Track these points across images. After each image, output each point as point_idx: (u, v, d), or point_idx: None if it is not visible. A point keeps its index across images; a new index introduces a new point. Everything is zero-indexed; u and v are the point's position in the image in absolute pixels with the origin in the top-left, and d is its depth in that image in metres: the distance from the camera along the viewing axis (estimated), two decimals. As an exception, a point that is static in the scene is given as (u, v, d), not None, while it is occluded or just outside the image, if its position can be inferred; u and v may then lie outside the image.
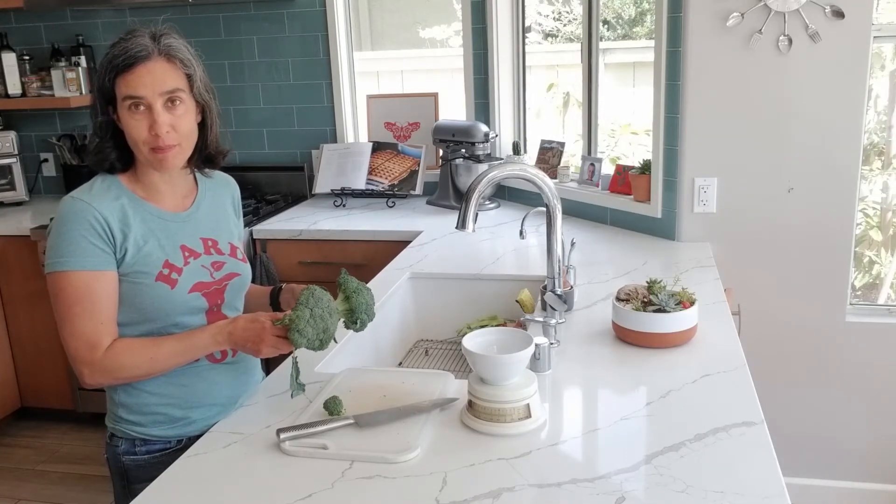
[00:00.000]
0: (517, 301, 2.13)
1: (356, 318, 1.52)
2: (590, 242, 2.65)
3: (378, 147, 3.51)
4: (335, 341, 1.46)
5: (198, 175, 1.65)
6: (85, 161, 3.76)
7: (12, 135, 3.76)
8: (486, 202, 3.24)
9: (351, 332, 1.91)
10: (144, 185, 1.54)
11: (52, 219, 1.51)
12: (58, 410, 3.57)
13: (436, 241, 2.76)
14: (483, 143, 3.18)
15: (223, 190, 1.71)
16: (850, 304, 2.63)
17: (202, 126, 1.57)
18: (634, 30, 3.26)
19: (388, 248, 2.83)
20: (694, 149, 2.55)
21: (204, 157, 1.61)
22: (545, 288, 1.93)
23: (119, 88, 1.45)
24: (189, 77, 1.50)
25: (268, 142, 3.68)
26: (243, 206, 3.22)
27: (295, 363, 1.51)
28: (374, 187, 3.42)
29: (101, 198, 1.48)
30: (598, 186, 2.91)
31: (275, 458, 1.36)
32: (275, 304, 1.73)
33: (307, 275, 3.01)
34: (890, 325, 2.61)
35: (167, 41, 1.48)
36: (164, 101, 1.46)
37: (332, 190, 3.41)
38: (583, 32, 3.00)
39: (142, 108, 1.45)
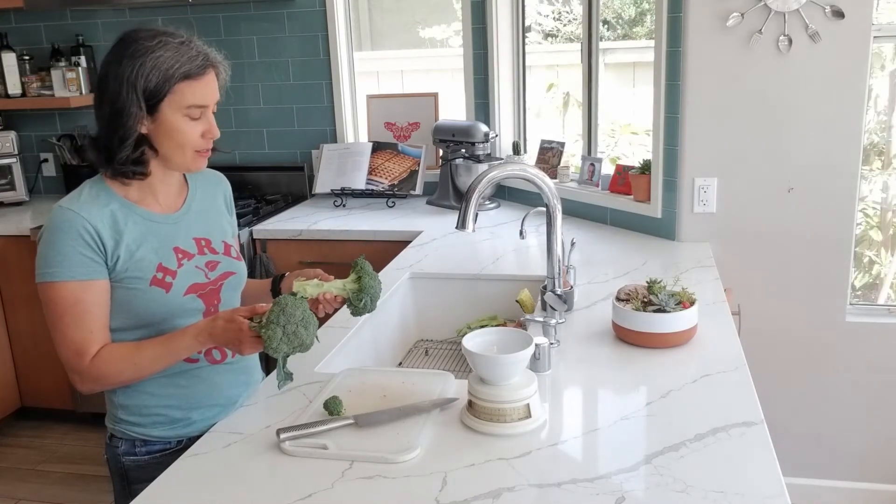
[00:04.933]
0: (517, 301, 2.13)
1: (361, 298, 1.51)
2: (590, 242, 2.65)
3: (378, 147, 3.51)
4: (317, 339, 1.43)
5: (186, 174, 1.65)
6: (85, 161, 3.76)
7: (12, 135, 3.76)
8: (486, 202, 3.24)
9: (350, 333, 1.92)
10: (139, 187, 1.53)
11: (40, 226, 1.51)
12: (58, 410, 3.57)
13: (436, 241, 2.76)
14: (483, 143, 3.18)
15: (214, 187, 1.70)
16: (850, 304, 2.63)
17: None
18: (634, 30, 3.26)
19: (388, 248, 2.83)
20: (694, 149, 2.55)
21: None
22: (545, 288, 1.93)
23: (181, 94, 1.44)
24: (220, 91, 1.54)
25: (268, 142, 3.68)
26: (243, 206, 3.26)
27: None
28: (374, 187, 3.42)
29: (89, 206, 1.46)
30: (598, 186, 2.91)
31: (275, 458, 1.36)
32: (276, 294, 1.72)
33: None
34: (890, 325, 2.61)
35: (216, 56, 1.51)
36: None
37: (332, 190, 3.41)
38: (583, 32, 3.00)
39: (199, 114, 1.47)
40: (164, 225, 1.55)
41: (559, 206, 1.86)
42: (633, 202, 2.74)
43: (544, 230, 1.90)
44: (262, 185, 3.61)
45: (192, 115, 1.46)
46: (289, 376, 1.45)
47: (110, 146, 1.45)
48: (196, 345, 1.46)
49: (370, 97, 3.62)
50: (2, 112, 3.81)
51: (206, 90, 1.47)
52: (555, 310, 1.89)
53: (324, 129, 3.60)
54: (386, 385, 1.58)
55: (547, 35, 3.45)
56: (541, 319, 1.79)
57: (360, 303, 1.52)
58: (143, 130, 1.45)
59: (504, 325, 2.17)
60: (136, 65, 1.41)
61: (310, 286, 1.51)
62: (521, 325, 1.95)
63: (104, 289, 1.47)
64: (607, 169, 2.91)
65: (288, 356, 1.39)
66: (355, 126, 3.63)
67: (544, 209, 1.89)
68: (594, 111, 3.01)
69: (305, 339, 1.38)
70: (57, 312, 1.44)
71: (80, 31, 3.69)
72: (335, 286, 1.52)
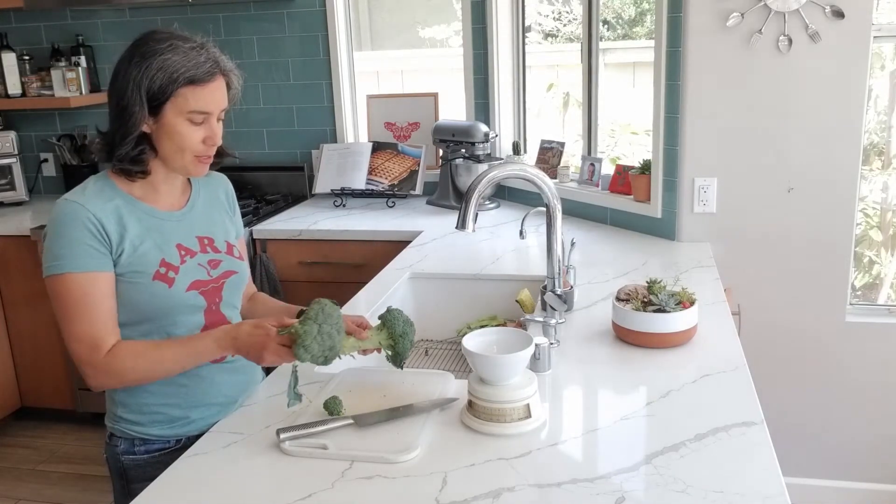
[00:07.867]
0: (517, 301, 2.13)
1: (399, 360, 1.55)
2: (590, 242, 2.65)
3: (378, 147, 3.51)
4: (339, 357, 1.44)
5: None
6: (85, 161, 3.76)
7: (12, 135, 3.76)
8: (486, 202, 3.23)
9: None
10: (142, 185, 1.54)
11: (41, 226, 1.51)
12: (58, 410, 3.57)
13: (436, 241, 2.76)
14: (483, 143, 3.18)
15: (216, 188, 1.71)
16: (850, 304, 2.63)
17: None
18: (634, 30, 3.26)
19: (388, 248, 2.83)
20: (694, 149, 2.55)
21: None
22: (545, 288, 1.93)
23: (184, 98, 1.45)
24: (231, 100, 1.55)
25: (268, 142, 3.68)
26: (243, 207, 3.26)
27: (294, 373, 1.47)
28: (374, 187, 3.42)
29: (94, 199, 1.47)
30: (598, 186, 2.91)
31: (275, 458, 1.36)
32: None
33: (307, 275, 3.01)
34: (890, 325, 2.61)
35: (227, 64, 1.52)
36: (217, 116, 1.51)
37: (332, 190, 3.41)
38: (583, 32, 3.00)
39: (202, 120, 1.47)
40: (168, 222, 1.56)
41: (559, 206, 1.86)
42: (633, 202, 2.74)
43: (544, 230, 1.90)
44: (262, 185, 3.61)
45: (193, 120, 1.47)
46: (298, 397, 1.44)
47: (113, 141, 1.48)
48: (217, 349, 1.46)
49: (370, 97, 3.62)
50: (2, 112, 3.81)
51: (210, 97, 1.47)
52: (555, 310, 1.89)
53: (324, 129, 3.60)
54: (386, 385, 1.58)
55: (547, 35, 3.45)
56: (541, 319, 1.80)
57: (397, 363, 1.57)
58: (146, 129, 1.47)
59: (504, 325, 2.17)
60: (144, 66, 1.43)
61: (347, 345, 1.49)
62: (521, 325, 1.95)
63: (112, 281, 1.47)
64: (607, 169, 2.91)
65: (315, 361, 1.39)
66: (355, 126, 3.63)
67: (544, 209, 1.89)
68: (594, 111, 3.01)
69: (336, 343, 1.40)
70: (66, 305, 1.44)
71: (80, 31, 3.69)
72: (371, 343, 1.54)
